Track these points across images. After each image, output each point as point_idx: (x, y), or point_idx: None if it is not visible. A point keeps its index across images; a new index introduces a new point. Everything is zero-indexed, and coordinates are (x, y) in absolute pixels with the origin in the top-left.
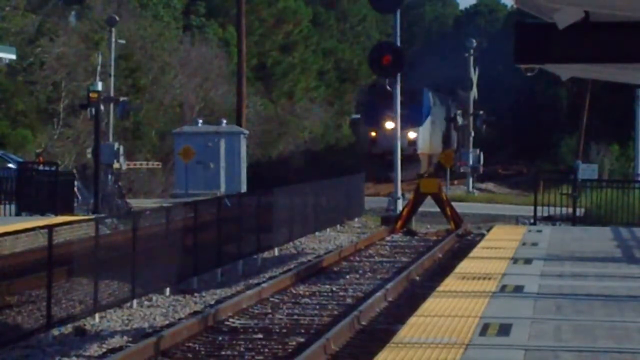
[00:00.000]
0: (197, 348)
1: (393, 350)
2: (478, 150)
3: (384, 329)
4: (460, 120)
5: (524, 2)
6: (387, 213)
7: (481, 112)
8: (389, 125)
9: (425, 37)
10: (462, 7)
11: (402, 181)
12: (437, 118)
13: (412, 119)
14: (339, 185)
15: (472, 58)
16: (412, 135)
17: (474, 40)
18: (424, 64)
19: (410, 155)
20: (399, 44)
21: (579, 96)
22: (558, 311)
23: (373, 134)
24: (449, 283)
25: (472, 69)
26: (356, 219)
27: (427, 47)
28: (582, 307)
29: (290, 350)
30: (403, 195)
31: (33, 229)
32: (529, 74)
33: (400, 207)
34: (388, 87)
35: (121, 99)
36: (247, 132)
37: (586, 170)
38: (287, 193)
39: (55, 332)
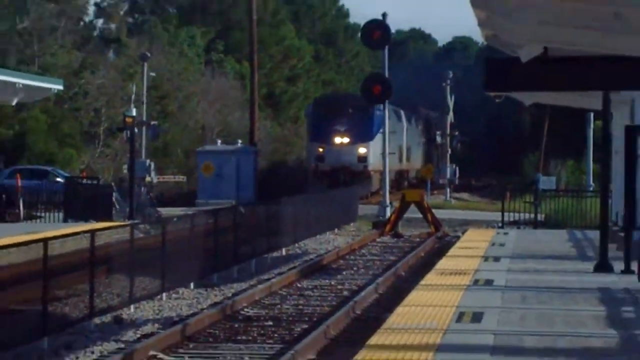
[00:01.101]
0: (217, 333)
1: (383, 335)
2: (454, 165)
3: (375, 316)
4: (439, 139)
5: (492, 40)
6: (377, 219)
7: (456, 133)
8: (338, 140)
9: (410, 70)
10: (440, 44)
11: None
12: (392, 133)
13: (362, 133)
14: (336, 195)
15: (448, 87)
16: (362, 150)
17: (450, 72)
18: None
19: (361, 172)
20: (387, 75)
21: (539, 119)
22: (523, 301)
23: (320, 149)
24: (430, 278)
25: (448, 96)
26: (351, 224)
27: (411, 77)
28: (544, 298)
29: (296, 335)
30: (391, 203)
31: (78, 233)
32: (497, 101)
33: (388, 213)
34: (378, 112)
35: (152, 122)
36: (258, 150)
37: (546, 182)
38: (292, 202)
39: (96, 320)
